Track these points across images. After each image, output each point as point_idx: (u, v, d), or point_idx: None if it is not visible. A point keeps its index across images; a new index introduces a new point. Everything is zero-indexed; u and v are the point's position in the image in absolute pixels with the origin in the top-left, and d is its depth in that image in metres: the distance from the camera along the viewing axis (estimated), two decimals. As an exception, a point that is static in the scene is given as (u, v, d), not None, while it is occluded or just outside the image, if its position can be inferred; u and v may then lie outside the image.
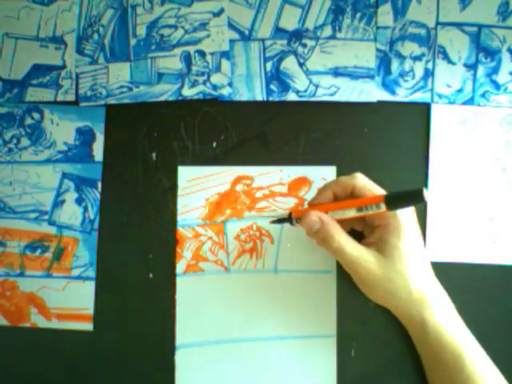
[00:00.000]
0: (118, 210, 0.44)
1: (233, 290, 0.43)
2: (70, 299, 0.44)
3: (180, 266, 0.43)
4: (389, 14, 0.42)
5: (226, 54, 0.43)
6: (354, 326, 0.42)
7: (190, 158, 0.44)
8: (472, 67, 0.42)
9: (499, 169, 0.42)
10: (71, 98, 0.44)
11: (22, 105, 0.45)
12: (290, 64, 0.43)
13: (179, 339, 0.43)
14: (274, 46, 0.43)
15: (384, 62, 0.43)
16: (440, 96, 0.43)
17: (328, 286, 0.43)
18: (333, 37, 0.43)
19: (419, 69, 0.43)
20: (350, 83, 0.43)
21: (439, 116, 0.43)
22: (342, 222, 0.37)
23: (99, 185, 0.44)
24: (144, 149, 0.44)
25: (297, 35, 0.43)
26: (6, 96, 0.45)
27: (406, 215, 0.36)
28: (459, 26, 0.42)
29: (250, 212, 0.43)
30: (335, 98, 0.43)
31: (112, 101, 0.44)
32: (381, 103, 0.43)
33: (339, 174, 0.43)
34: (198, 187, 0.44)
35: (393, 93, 0.43)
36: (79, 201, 0.44)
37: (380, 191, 0.37)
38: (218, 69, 0.43)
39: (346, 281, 0.40)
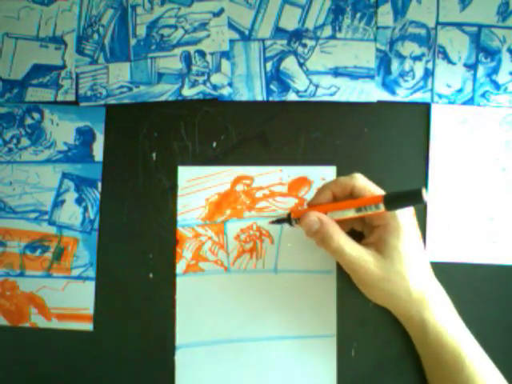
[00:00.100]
0: (118, 210, 0.44)
1: (233, 290, 0.43)
2: (69, 299, 0.44)
3: (180, 266, 0.43)
4: (389, 14, 0.42)
5: (225, 54, 0.43)
6: (353, 325, 0.42)
7: (190, 158, 0.44)
8: (472, 67, 0.42)
9: (499, 169, 0.42)
10: (71, 98, 0.44)
11: (21, 105, 0.45)
12: (289, 64, 0.43)
13: (179, 339, 0.43)
14: (274, 46, 0.43)
15: (384, 61, 0.43)
16: (440, 96, 0.43)
17: (328, 285, 0.43)
18: (333, 37, 0.43)
19: (419, 69, 0.43)
20: (350, 83, 0.43)
21: (439, 116, 0.43)
22: (342, 223, 0.37)
23: (99, 185, 0.44)
24: (144, 149, 0.44)
25: (297, 35, 0.43)
26: (6, 96, 0.45)
27: (406, 215, 0.36)
28: (459, 25, 0.42)
29: (250, 212, 0.43)
30: (335, 98, 0.43)
31: (112, 101, 0.44)
32: (381, 103, 0.43)
33: (339, 174, 0.43)
34: (198, 187, 0.44)
35: (393, 93, 0.43)
36: (79, 201, 0.44)
37: (379, 191, 0.36)
38: (217, 69, 0.43)
39: (346, 281, 0.40)
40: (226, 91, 0.43)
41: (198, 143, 0.44)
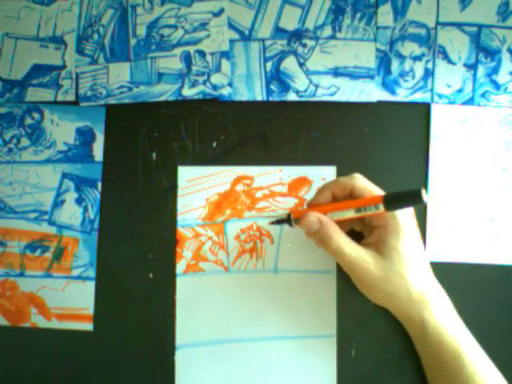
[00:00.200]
0: (118, 210, 0.44)
1: (233, 290, 0.43)
2: (70, 299, 0.44)
3: (180, 266, 0.43)
4: (389, 14, 0.42)
5: (226, 54, 0.43)
6: (353, 325, 0.42)
7: (190, 158, 0.44)
8: (472, 67, 0.42)
9: (499, 169, 0.42)
10: (71, 98, 0.44)
11: (21, 105, 0.45)
12: (289, 64, 0.43)
13: (179, 339, 0.43)
14: (274, 46, 0.43)
15: (384, 62, 0.43)
16: (440, 96, 0.43)
17: (328, 285, 0.43)
18: (333, 37, 0.43)
19: (419, 69, 0.43)
20: (350, 83, 0.43)
21: (439, 116, 0.42)
22: (341, 223, 0.37)
23: (99, 185, 0.44)
24: (144, 149, 0.44)
25: (297, 35, 0.43)
26: (6, 96, 0.45)
27: (405, 216, 0.36)
28: (459, 25, 0.42)
29: (250, 212, 0.43)
30: (335, 98, 0.43)
31: (112, 101, 0.44)
32: (381, 103, 0.43)
33: (339, 174, 0.43)
34: (198, 187, 0.44)
35: (393, 93, 0.43)
36: (79, 201, 0.44)
37: (379, 192, 0.36)
38: (218, 69, 0.43)
39: (346, 281, 0.40)
40: (225, 91, 0.43)
41: (198, 143, 0.44)
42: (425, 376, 0.40)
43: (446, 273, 0.40)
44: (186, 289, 0.43)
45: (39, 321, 0.44)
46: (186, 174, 0.44)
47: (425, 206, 0.42)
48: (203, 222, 0.43)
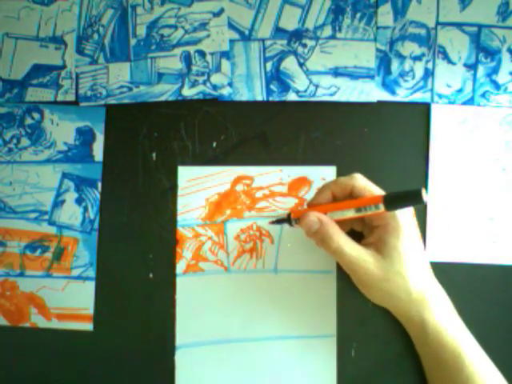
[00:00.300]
0: (118, 210, 0.44)
1: (233, 290, 0.43)
2: (70, 299, 0.44)
3: (180, 266, 0.43)
4: (389, 14, 0.42)
5: (226, 54, 0.43)
6: (353, 325, 0.42)
7: (190, 158, 0.44)
8: (472, 67, 0.42)
9: (499, 169, 0.42)
10: (71, 98, 0.44)
11: (21, 105, 0.45)
12: (289, 64, 0.43)
13: (179, 339, 0.43)
14: (274, 46, 0.43)
15: (384, 62, 0.43)
16: (440, 96, 0.43)
17: (328, 285, 0.43)
18: (333, 37, 0.43)
19: (419, 69, 0.43)
20: (350, 83, 0.43)
21: (439, 116, 0.42)
22: (342, 223, 0.37)
23: (99, 185, 0.44)
24: (144, 149, 0.44)
25: (297, 35, 0.43)
26: (6, 96, 0.45)
27: (405, 216, 0.36)
28: (459, 25, 0.42)
29: (250, 212, 0.43)
30: (335, 98, 0.43)
31: (112, 101, 0.44)
32: (381, 103, 0.43)
33: (339, 174, 0.43)
34: (198, 187, 0.44)
35: (393, 93, 0.43)
36: (79, 201, 0.44)
37: (379, 192, 0.36)
38: (218, 69, 0.43)
39: (346, 281, 0.40)
40: (226, 91, 0.43)
41: (198, 143, 0.44)
42: (425, 376, 0.40)
43: (445, 273, 0.40)
44: (186, 289, 0.43)
45: (39, 321, 0.44)
46: (186, 174, 0.44)
47: (425, 206, 0.42)
48: (203, 221, 0.43)
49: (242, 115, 0.44)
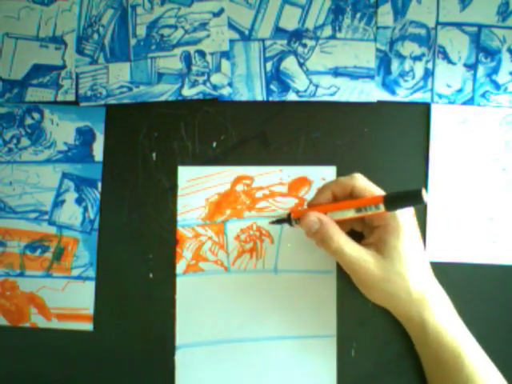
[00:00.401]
0: (118, 210, 0.44)
1: (233, 290, 0.43)
2: (70, 299, 0.44)
3: (180, 266, 0.43)
4: (389, 14, 0.42)
5: (226, 54, 0.43)
6: (353, 325, 0.42)
7: (190, 158, 0.44)
8: (472, 67, 0.42)
9: (499, 169, 0.42)
10: (71, 98, 0.44)
11: (21, 105, 0.45)
12: (289, 64, 0.43)
13: (179, 339, 0.43)
14: (274, 46, 0.43)
15: (384, 62, 0.43)
16: (440, 96, 0.43)
17: (328, 285, 0.43)
18: (333, 37, 0.43)
19: (419, 69, 0.43)
20: (350, 83, 0.43)
21: (439, 116, 0.42)
22: (342, 223, 0.37)
23: (99, 185, 0.44)
24: (144, 149, 0.44)
25: (297, 35, 0.43)
26: (6, 96, 0.45)
27: (406, 216, 0.36)
28: (459, 25, 0.42)
29: (250, 212, 0.43)
30: (335, 98, 0.43)
31: (112, 101, 0.44)
32: (381, 103, 0.43)
33: (339, 174, 0.43)
34: (198, 187, 0.44)
35: (393, 93, 0.43)
36: (79, 201, 0.44)
37: (379, 192, 0.36)
38: (218, 69, 0.43)
39: (346, 281, 0.40)
40: (226, 91, 0.43)
41: (198, 143, 0.44)
42: (425, 376, 0.40)
43: (445, 273, 0.40)
44: (186, 289, 0.43)
45: (39, 321, 0.44)
46: (186, 174, 0.44)
47: (425, 206, 0.42)
48: (203, 221, 0.43)
49: (241, 115, 0.44)
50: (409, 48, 0.43)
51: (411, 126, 0.43)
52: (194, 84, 0.44)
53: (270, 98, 0.43)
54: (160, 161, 0.44)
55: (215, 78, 0.43)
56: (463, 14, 0.42)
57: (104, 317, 0.43)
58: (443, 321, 0.37)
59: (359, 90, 0.43)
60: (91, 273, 0.44)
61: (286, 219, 0.39)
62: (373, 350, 0.42)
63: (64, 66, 0.44)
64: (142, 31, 0.44)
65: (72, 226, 0.44)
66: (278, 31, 0.43)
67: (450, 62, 0.43)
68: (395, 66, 0.43)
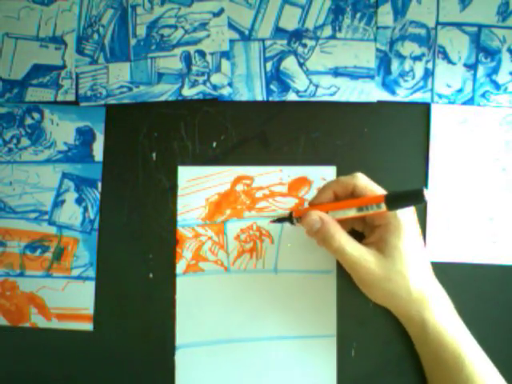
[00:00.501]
0: (118, 210, 0.44)
1: (233, 290, 0.43)
2: (69, 299, 0.44)
3: (180, 266, 0.43)
4: (389, 14, 0.43)
5: (226, 54, 0.43)
6: (353, 325, 0.42)
7: (190, 158, 0.44)
8: (472, 67, 0.43)
9: (499, 169, 0.42)
10: (71, 98, 0.44)
11: (22, 105, 0.45)
12: (289, 64, 0.43)
13: (179, 339, 0.43)
14: (274, 46, 0.43)
15: (384, 62, 0.43)
16: (440, 96, 0.43)
17: (328, 285, 0.43)
18: (333, 37, 0.43)
19: (419, 69, 0.43)
20: (350, 83, 0.43)
21: (439, 116, 0.43)
22: (343, 222, 0.37)
23: (99, 185, 0.44)
24: (144, 149, 0.44)
25: (297, 35, 0.43)
26: (6, 96, 0.45)
27: (407, 215, 0.36)
28: (459, 25, 0.42)
29: (250, 212, 0.43)
30: (335, 98, 0.43)
31: (112, 101, 0.44)
32: (381, 103, 0.43)
33: (339, 173, 0.43)
34: (198, 187, 0.44)
35: (393, 93, 0.43)
36: (79, 201, 0.44)
37: (380, 191, 0.37)
38: (218, 69, 0.43)
39: (346, 281, 0.40)
40: (226, 91, 0.43)
41: (198, 143, 0.44)
42: (425, 376, 0.40)
43: (446, 273, 0.40)
44: (186, 289, 0.43)
45: (39, 321, 0.44)
46: (186, 174, 0.44)
47: (425, 206, 0.42)
48: (203, 221, 0.43)
49: (241, 115, 0.44)
50: (409, 48, 0.43)
51: (411, 126, 0.43)
52: (194, 84, 0.44)
53: (270, 98, 0.43)
54: (160, 161, 0.44)
55: (215, 78, 0.43)
56: (463, 14, 0.42)
57: (104, 317, 0.43)
58: (443, 321, 0.37)
59: (359, 90, 0.43)
60: (91, 273, 0.44)
61: (288, 218, 0.39)
62: (373, 349, 0.42)
63: (64, 66, 0.44)
64: (141, 31, 0.44)
65: (72, 226, 0.44)
66: (278, 31, 0.43)
67: (450, 61, 0.43)
68: (395, 66, 0.43)
